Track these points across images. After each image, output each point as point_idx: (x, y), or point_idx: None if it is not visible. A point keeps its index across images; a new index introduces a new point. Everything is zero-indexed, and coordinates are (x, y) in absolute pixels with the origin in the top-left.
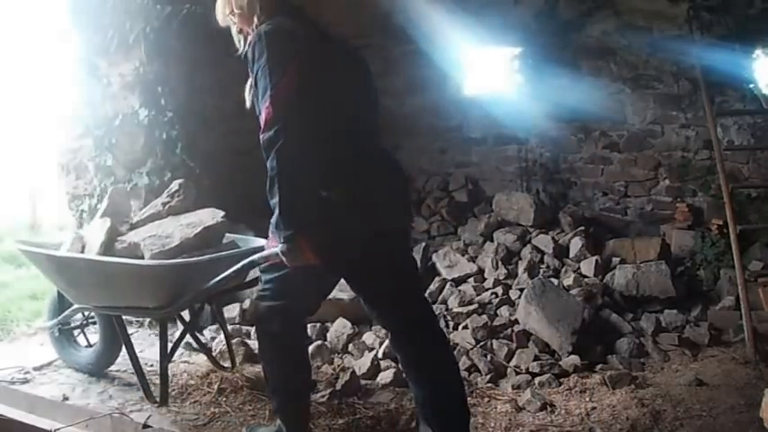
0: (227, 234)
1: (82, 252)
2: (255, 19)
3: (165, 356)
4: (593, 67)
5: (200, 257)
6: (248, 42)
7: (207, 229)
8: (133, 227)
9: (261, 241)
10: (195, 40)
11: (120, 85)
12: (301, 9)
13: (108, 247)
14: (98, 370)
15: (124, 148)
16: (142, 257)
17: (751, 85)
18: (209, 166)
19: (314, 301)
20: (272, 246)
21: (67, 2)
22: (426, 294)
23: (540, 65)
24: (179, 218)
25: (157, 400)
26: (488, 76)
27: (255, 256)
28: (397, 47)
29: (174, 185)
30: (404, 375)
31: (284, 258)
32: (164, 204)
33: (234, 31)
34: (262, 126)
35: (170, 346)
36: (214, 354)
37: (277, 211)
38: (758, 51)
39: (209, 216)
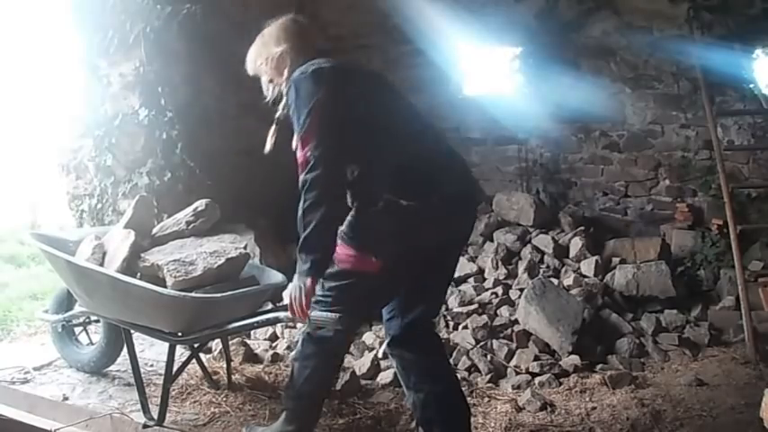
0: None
1: (102, 262)
2: (286, 71)
3: (169, 378)
4: (593, 67)
5: (223, 294)
6: (284, 92)
7: (229, 261)
8: (155, 241)
9: (279, 276)
10: (195, 40)
11: (121, 85)
12: (329, 51)
13: (130, 263)
14: (98, 369)
15: (124, 148)
16: (163, 279)
17: (751, 85)
18: (210, 166)
19: (371, 311)
20: (339, 250)
21: (68, 2)
22: None
23: (541, 65)
24: (202, 242)
25: (154, 417)
26: (488, 75)
27: (281, 315)
28: (397, 47)
29: (201, 204)
30: (402, 383)
31: (290, 292)
32: (188, 223)
33: (264, 80)
34: (300, 167)
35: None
36: (213, 353)
37: (303, 245)
38: (758, 51)
39: (232, 246)
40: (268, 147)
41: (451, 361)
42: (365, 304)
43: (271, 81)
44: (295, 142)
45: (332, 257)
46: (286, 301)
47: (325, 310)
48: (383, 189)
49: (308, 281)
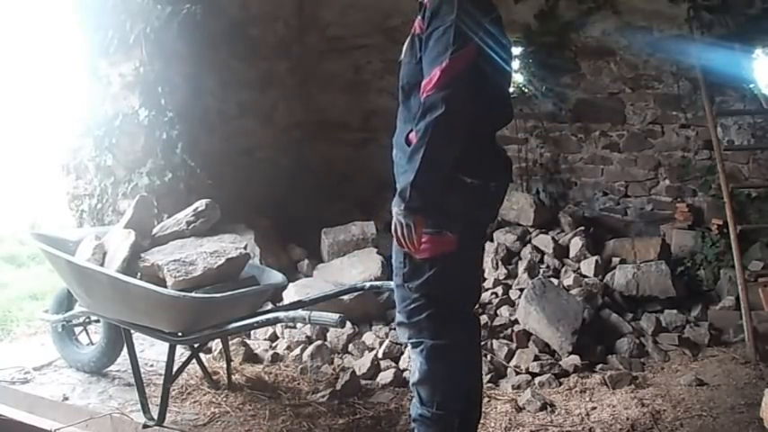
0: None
1: (102, 262)
2: None
3: (170, 378)
4: (593, 67)
5: (223, 294)
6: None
7: (230, 261)
8: (155, 241)
9: (279, 276)
10: (195, 40)
11: (121, 85)
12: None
13: (130, 263)
14: (98, 369)
15: (124, 148)
16: (164, 280)
17: (751, 85)
18: (211, 166)
19: (468, 292)
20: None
21: (68, 2)
22: None
23: (541, 65)
24: (202, 242)
25: (154, 417)
26: None
27: (281, 314)
28: (397, 47)
29: (201, 204)
30: None
31: (394, 228)
32: (188, 223)
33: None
34: (426, 84)
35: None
36: (213, 353)
37: (410, 179)
38: (758, 51)
39: (233, 246)
40: (402, 56)
41: None
42: (457, 289)
43: None
44: (436, 59)
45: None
46: (394, 238)
47: (425, 313)
48: (454, 166)
49: (418, 219)
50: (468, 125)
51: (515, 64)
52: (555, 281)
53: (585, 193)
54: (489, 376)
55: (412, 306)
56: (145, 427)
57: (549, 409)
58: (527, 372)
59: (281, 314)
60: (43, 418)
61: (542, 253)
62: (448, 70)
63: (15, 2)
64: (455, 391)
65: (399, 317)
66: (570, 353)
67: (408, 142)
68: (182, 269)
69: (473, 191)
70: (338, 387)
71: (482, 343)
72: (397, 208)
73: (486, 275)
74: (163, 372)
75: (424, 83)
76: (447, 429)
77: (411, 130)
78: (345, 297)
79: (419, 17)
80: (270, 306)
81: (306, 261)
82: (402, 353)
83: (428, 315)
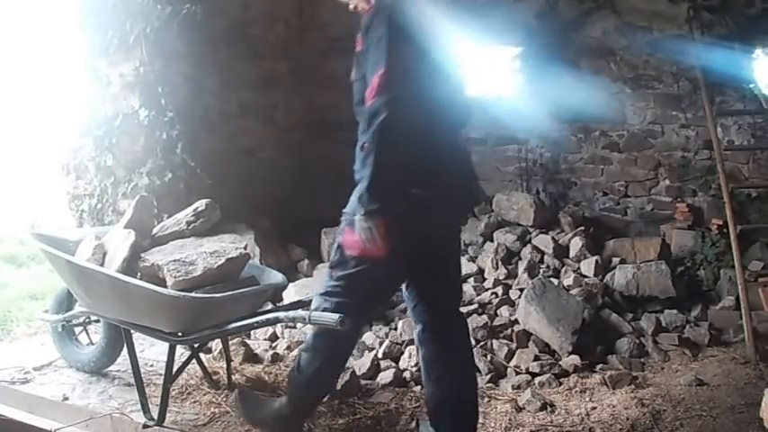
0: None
1: (102, 262)
2: None
3: (170, 378)
4: (593, 67)
5: (223, 294)
6: (368, 10)
7: (229, 262)
8: (155, 241)
9: (279, 276)
10: (195, 40)
11: (121, 85)
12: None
13: (130, 263)
14: (98, 369)
15: (124, 148)
16: (164, 279)
17: (751, 85)
18: (211, 166)
19: (381, 297)
20: (346, 237)
21: (68, 2)
22: None
23: (541, 64)
24: (202, 242)
25: (154, 417)
26: (488, 75)
27: (281, 314)
28: None
29: (201, 204)
30: (422, 372)
31: (359, 233)
32: (188, 223)
33: (354, 6)
34: (369, 93)
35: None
36: (213, 353)
37: (365, 184)
38: (758, 51)
39: (233, 246)
40: (353, 76)
41: None
42: (374, 293)
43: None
44: (374, 69)
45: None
46: (353, 238)
47: (336, 301)
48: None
49: (379, 221)
50: (417, 125)
51: (515, 64)
52: (555, 281)
53: (585, 193)
54: (489, 376)
55: (328, 288)
56: (145, 427)
57: (549, 409)
58: (527, 372)
59: (281, 314)
60: (43, 418)
61: (542, 253)
62: (385, 76)
63: (15, 2)
64: (323, 370)
65: (320, 288)
66: (570, 353)
67: (363, 150)
68: (182, 269)
69: (414, 200)
70: (338, 387)
71: (482, 343)
72: (357, 214)
73: (486, 275)
74: (163, 372)
75: (366, 93)
76: (306, 398)
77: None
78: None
79: (359, 35)
80: (270, 306)
81: (306, 261)
82: (402, 353)
83: (337, 302)
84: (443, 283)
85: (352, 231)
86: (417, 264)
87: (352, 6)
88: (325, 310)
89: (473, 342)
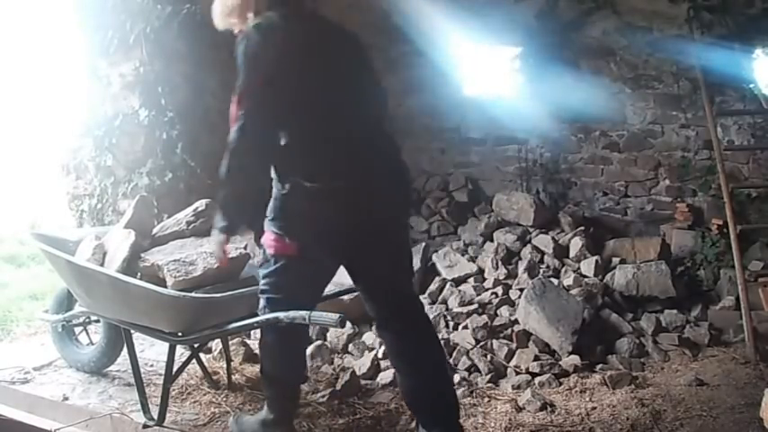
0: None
1: (102, 262)
2: (251, 15)
3: (169, 378)
4: (593, 67)
5: (223, 294)
6: (239, 34)
7: (229, 261)
8: (155, 241)
9: None
10: (195, 40)
11: (121, 85)
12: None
13: (130, 263)
14: (98, 369)
15: (124, 148)
16: (164, 280)
17: (751, 85)
18: (211, 166)
19: (308, 292)
20: (265, 237)
21: (68, 2)
22: (426, 293)
23: (541, 65)
24: (202, 242)
25: (154, 417)
26: (488, 75)
27: (281, 314)
28: (397, 47)
29: (201, 204)
30: (390, 361)
31: (216, 238)
32: (188, 223)
33: (236, 32)
34: (232, 110)
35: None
36: (213, 353)
37: (218, 204)
38: (758, 51)
39: (233, 246)
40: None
41: (451, 361)
42: (298, 286)
43: (240, 32)
44: (234, 96)
45: (246, 218)
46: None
47: (267, 297)
48: (291, 170)
49: (224, 237)
50: (270, 150)
51: (515, 64)
52: (555, 281)
53: (585, 193)
54: (489, 376)
55: (261, 287)
56: (145, 427)
57: (549, 409)
58: (527, 372)
59: (281, 314)
60: (43, 418)
61: (542, 253)
62: (237, 104)
63: (15, 2)
64: (278, 362)
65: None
66: (570, 353)
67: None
68: (182, 269)
69: (317, 195)
70: (338, 387)
71: (482, 343)
72: (273, 236)
73: (486, 275)
74: (163, 372)
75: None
76: (281, 394)
77: None
78: (345, 297)
79: None
80: None
81: None
82: None
83: (268, 298)
84: (384, 278)
85: (269, 232)
86: (343, 258)
87: (237, 30)
88: (263, 308)
89: (473, 342)
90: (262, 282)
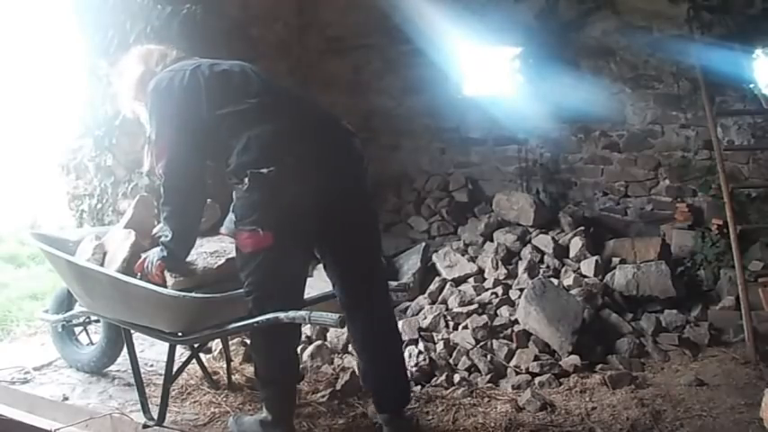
0: None
1: (102, 262)
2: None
3: (169, 378)
4: (593, 67)
5: (223, 294)
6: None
7: (229, 261)
8: (155, 242)
9: None
10: (195, 40)
11: None
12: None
13: (130, 263)
14: (98, 369)
15: (124, 148)
16: (164, 280)
17: (751, 85)
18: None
19: (292, 282)
20: (239, 238)
21: (68, 2)
22: (426, 293)
23: (541, 65)
24: (202, 242)
25: (154, 417)
26: (488, 75)
27: (281, 315)
28: (396, 47)
29: None
30: (352, 345)
31: (150, 263)
32: None
33: (144, 116)
34: (156, 168)
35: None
36: (213, 353)
37: (164, 240)
38: (758, 51)
39: (232, 246)
40: (145, 166)
41: (451, 361)
42: (280, 279)
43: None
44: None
45: (185, 253)
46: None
47: (252, 297)
48: (245, 165)
49: (160, 264)
50: (198, 177)
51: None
52: (555, 281)
53: (585, 193)
54: (489, 376)
55: (245, 288)
56: (145, 427)
57: (549, 409)
58: (527, 372)
59: (281, 314)
60: (43, 418)
61: (542, 253)
62: (155, 147)
63: (15, 2)
64: (270, 362)
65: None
66: (570, 353)
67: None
68: None
69: (272, 178)
70: (338, 387)
71: (482, 343)
72: (159, 245)
73: (486, 275)
74: (163, 372)
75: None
76: (278, 394)
77: None
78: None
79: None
80: None
81: None
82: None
83: (253, 298)
84: (348, 263)
85: (241, 232)
86: (306, 239)
87: (132, 114)
88: (251, 310)
89: (473, 342)
90: (245, 284)
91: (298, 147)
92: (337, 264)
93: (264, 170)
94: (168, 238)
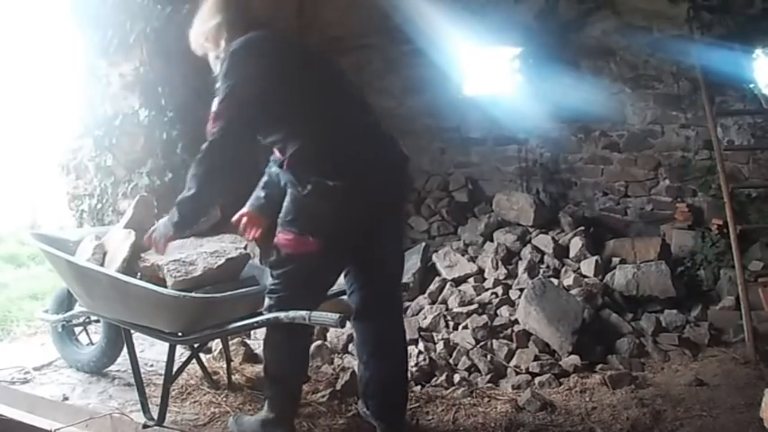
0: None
1: (102, 262)
2: (223, 43)
3: (169, 378)
4: (593, 67)
5: (223, 294)
6: (226, 49)
7: (229, 261)
8: None
9: None
10: None
11: (120, 85)
12: (270, 23)
13: (130, 262)
14: (98, 369)
15: (124, 148)
16: (164, 279)
17: (751, 85)
18: None
19: (318, 290)
20: (280, 238)
21: (68, 2)
22: (426, 293)
23: (541, 65)
24: (202, 242)
25: (154, 417)
26: (488, 75)
27: (282, 315)
28: (397, 47)
29: None
30: (357, 350)
31: (163, 236)
32: None
33: (211, 57)
34: (209, 121)
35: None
36: (213, 353)
37: (180, 198)
38: (758, 51)
39: (232, 246)
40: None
41: (451, 361)
42: (312, 286)
43: (217, 57)
44: (212, 107)
45: (198, 223)
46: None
47: (278, 296)
48: (311, 171)
49: (172, 233)
50: (240, 161)
51: (515, 64)
52: (555, 281)
53: (585, 193)
54: (489, 376)
55: (272, 286)
56: (145, 427)
57: (549, 409)
58: (527, 372)
59: (281, 314)
60: (43, 418)
61: (542, 253)
62: (220, 106)
63: (15, 2)
64: (283, 360)
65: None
66: (570, 353)
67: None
68: (182, 269)
69: (339, 193)
70: (338, 387)
71: (482, 343)
72: (167, 216)
73: (486, 275)
74: (163, 372)
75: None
76: (283, 393)
77: None
78: (345, 297)
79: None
80: None
81: None
82: None
83: (279, 297)
84: (376, 270)
85: (285, 232)
86: (349, 253)
87: (213, 56)
88: (270, 307)
89: (473, 342)
90: (273, 281)
91: (364, 167)
92: (364, 272)
93: (330, 182)
94: (189, 194)
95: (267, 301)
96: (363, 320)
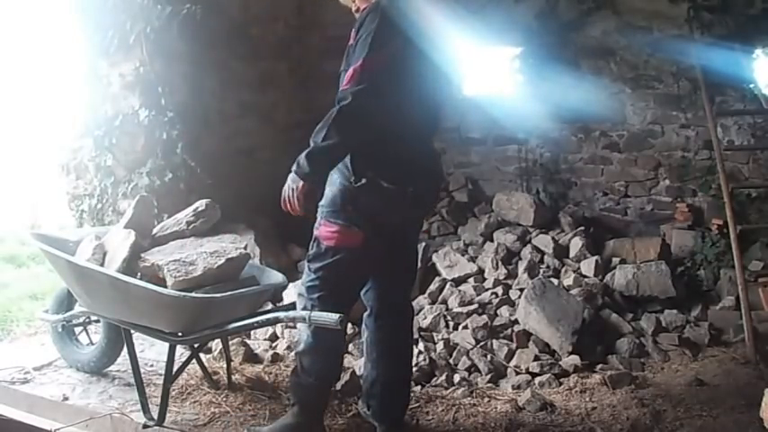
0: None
1: (102, 262)
2: None
3: (170, 378)
4: (593, 67)
5: (223, 294)
6: (365, 8)
7: (230, 261)
8: (155, 241)
9: (279, 276)
10: (195, 40)
11: (121, 85)
12: None
13: (130, 263)
14: (98, 369)
15: (124, 148)
16: (164, 279)
17: (751, 85)
18: (211, 166)
19: (357, 288)
20: (322, 230)
21: (68, 2)
22: (426, 293)
23: (541, 65)
24: (202, 242)
25: (154, 417)
26: (488, 75)
27: (281, 314)
28: None
29: (201, 204)
30: (363, 352)
31: (287, 187)
32: (188, 223)
33: (354, 9)
34: (344, 82)
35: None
36: (213, 353)
37: (309, 150)
38: (758, 51)
39: (233, 246)
40: (342, 67)
41: (451, 361)
42: (351, 282)
43: (359, 9)
44: (354, 61)
45: (326, 169)
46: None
47: (317, 296)
48: (369, 165)
49: (302, 184)
50: (378, 122)
51: (515, 64)
52: (555, 281)
53: (585, 193)
54: (489, 376)
55: (309, 284)
56: (145, 427)
57: (549, 409)
58: (527, 372)
59: (281, 314)
60: (43, 418)
61: (542, 253)
62: (361, 68)
63: (16, 2)
64: (331, 365)
65: (300, 288)
66: (570, 353)
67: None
68: (182, 269)
69: (389, 194)
70: (338, 387)
71: (482, 343)
72: (291, 172)
73: (486, 275)
74: (163, 372)
75: (343, 82)
76: (319, 398)
77: None
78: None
79: (354, 29)
80: (270, 306)
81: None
82: None
83: (319, 296)
84: (398, 272)
85: (329, 224)
86: (386, 253)
87: (354, 8)
88: (312, 308)
89: (473, 342)
90: (312, 277)
91: (417, 179)
92: (385, 275)
93: (386, 184)
94: (326, 143)
95: (304, 301)
96: (378, 319)
